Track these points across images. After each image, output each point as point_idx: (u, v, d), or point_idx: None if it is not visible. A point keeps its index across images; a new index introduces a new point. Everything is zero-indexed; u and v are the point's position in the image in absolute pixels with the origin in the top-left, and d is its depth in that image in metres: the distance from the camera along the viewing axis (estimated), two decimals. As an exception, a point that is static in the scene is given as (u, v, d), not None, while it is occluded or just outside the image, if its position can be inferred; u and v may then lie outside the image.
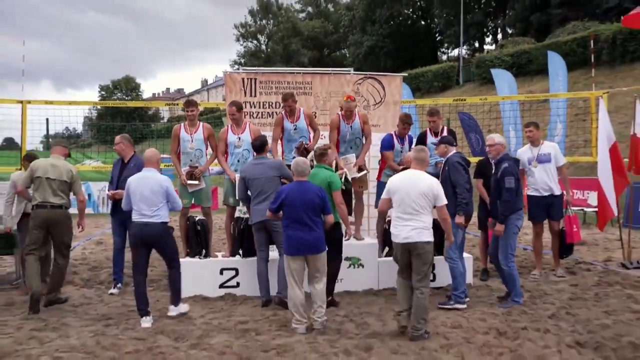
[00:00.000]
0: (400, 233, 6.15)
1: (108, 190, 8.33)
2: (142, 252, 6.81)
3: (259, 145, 7.54)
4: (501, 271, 7.25)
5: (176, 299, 6.95)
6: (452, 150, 7.28)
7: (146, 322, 6.54)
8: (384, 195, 6.50)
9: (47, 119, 15.36)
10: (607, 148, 9.29)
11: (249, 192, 7.41)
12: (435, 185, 6.22)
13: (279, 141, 8.56)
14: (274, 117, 9.12)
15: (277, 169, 7.41)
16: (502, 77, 18.48)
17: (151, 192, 6.65)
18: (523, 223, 7.55)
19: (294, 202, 6.33)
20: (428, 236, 6.11)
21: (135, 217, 6.71)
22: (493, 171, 7.30)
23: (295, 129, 8.31)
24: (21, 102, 10.63)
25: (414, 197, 6.09)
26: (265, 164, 7.39)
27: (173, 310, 6.86)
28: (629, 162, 9.89)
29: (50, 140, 19.47)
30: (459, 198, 6.98)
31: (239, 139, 8.14)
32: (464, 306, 6.97)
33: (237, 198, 7.81)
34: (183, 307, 6.94)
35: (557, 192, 8.56)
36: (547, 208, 8.57)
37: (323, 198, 6.44)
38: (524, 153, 8.78)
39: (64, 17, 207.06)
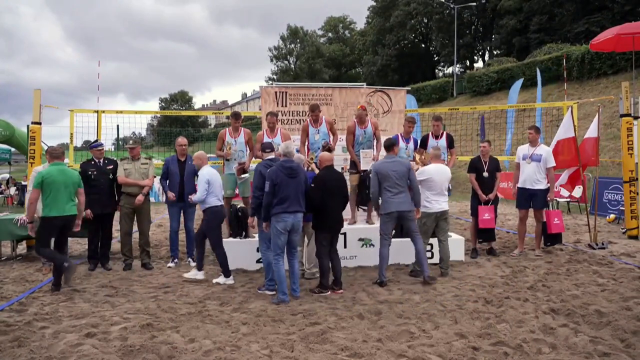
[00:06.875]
0: (435, 206, 7.21)
1: (165, 182, 8.15)
2: (220, 228, 7.21)
3: (389, 145, 7.12)
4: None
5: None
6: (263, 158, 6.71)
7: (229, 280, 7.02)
8: (420, 178, 7.19)
9: (117, 125, 15.53)
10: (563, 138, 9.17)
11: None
12: (449, 171, 7.56)
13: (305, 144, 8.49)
14: (301, 123, 9.08)
15: (407, 166, 6.97)
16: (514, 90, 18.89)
17: (220, 183, 7.23)
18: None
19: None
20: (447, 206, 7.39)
21: (217, 202, 7.12)
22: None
23: (318, 132, 8.26)
24: (97, 111, 10.71)
25: (444, 181, 7.32)
26: (397, 162, 6.98)
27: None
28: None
29: (120, 142, 19.71)
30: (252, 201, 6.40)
31: (272, 142, 8.07)
32: (273, 292, 6.27)
33: (369, 192, 7.30)
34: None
35: (541, 186, 8.34)
36: (530, 198, 8.43)
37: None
38: (522, 150, 8.63)
39: (140, 44, 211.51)
